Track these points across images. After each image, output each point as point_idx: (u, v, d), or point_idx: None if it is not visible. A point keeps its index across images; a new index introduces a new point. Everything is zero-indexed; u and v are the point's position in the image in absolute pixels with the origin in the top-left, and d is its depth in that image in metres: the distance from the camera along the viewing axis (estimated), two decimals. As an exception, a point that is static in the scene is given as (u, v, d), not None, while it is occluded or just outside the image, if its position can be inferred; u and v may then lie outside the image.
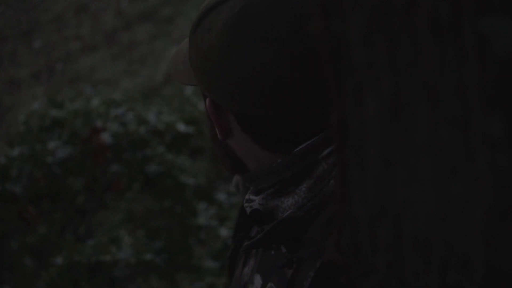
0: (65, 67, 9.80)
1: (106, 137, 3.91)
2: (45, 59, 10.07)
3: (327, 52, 0.56)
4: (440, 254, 0.51)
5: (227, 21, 1.05)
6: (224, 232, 4.04)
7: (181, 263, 3.95)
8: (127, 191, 4.09)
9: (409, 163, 0.52)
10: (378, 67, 0.52)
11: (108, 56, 9.70)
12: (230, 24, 1.05)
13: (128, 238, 3.80)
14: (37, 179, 3.85)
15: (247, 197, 1.11)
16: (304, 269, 1.05)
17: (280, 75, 1.02)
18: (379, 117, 0.53)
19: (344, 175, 0.56)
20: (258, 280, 1.13)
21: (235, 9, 1.05)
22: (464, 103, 0.49)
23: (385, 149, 0.53)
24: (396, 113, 0.52)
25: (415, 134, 0.51)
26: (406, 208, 0.53)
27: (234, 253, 1.26)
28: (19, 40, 10.60)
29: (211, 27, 1.07)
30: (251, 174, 1.10)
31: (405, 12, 0.51)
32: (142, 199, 4.19)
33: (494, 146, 0.48)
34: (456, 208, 0.50)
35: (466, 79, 0.49)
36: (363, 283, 0.56)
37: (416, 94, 0.51)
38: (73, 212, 4.08)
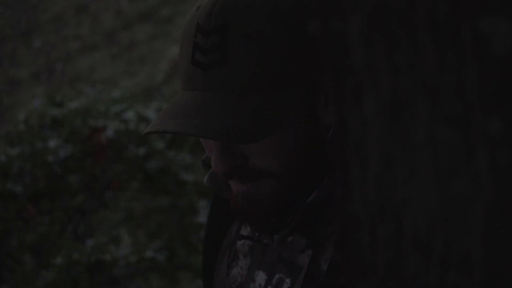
0: (65, 67, 9.80)
1: (108, 134, 3.91)
2: (44, 59, 10.07)
3: (326, 51, 0.56)
4: (440, 253, 0.52)
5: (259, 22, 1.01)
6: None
7: (181, 262, 3.95)
8: (127, 190, 4.09)
9: (409, 162, 0.52)
10: (377, 67, 0.53)
11: (107, 56, 9.70)
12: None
13: (128, 237, 3.80)
14: (37, 178, 3.86)
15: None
16: (323, 249, 1.06)
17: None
18: (379, 116, 0.53)
19: (344, 174, 0.56)
20: (261, 276, 1.13)
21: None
22: (464, 102, 0.49)
23: (386, 148, 0.53)
24: (396, 113, 0.52)
25: (415, 133, 0.51)
26: (406, 206, 0.53)
27: (213, 253, 1.25)
28: (19, 40, 10.60)
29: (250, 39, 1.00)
30: None
31: (404, 12, 0.51)
32: (142, 198, 4.19)
33: (494, 145, 0.49)
34: (457, 207, 0.50)
35: (465, 79, 0.49)
36: (362, 282, 0.57)
37: (416, 93, 0.51)
38: (73, 211, 4.08)
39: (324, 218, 1.07)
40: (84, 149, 3.94)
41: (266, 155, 1.03)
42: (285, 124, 1.02)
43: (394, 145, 0.53)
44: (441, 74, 0.50)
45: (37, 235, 3.96)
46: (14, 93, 9.51)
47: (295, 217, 1.06)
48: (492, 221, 0.49)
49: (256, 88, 1.00)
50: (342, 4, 0.54)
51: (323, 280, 1.04)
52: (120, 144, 3.99)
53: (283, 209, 1.07)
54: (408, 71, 0.51)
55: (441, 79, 0.50)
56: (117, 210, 4.30)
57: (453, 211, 0.51)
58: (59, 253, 3.71)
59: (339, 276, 1.02)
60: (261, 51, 1.00)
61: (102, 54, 9.73)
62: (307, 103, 1.03)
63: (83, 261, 3.58)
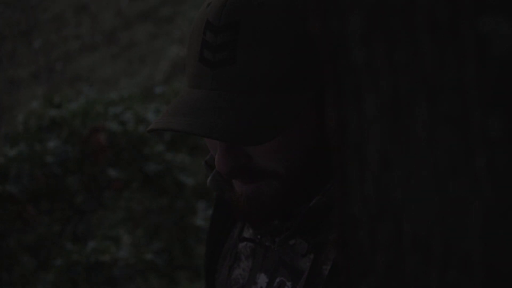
0: (65, 66, 9.80)
1: (107, 135, 3.92)
2: (44, 59, 10.07)
3: (326, 52, 0.56)
4: (439, 254, 0.52)
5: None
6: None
7: (180, 263, 3.95)
8: (126, 190, 4.09)
9: (408, 163, 0.52)
10: (377, 66, 0.52)
11: (107, 55, 9.70)
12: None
13: (127, 238, 3.80)
14: (36, 179, 3.86)
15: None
16: (325, 254, 1.05)
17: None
18: (378, 116, 0.53)
19: (343, 174, 0.56)
20: (262, 279, 1.12)
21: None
22: (463, 102, 0.49)
23: (385, 148, 0.53)
24: (395, 113, 0.52)
25: (414, 133, 0.51)
26: (405, 207, 0.53)
27: (214, 255, 1.24)
28: (19, 40, 10.61)
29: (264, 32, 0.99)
30: None
31: (403, 11, 0.51)
32: (141, 198, 4.19)
33: (493, 146, 0.49)
34: (456, 208, 0.50)
35: (465, 79, 0.49)
36: (362, 282, 0.56)
37: (415, 93, 0.51)
38: (72, 211, 4.08)
39: (326, 224, 1.06)
40: (83, 149, 3.94)
41: (271, 156, 1.02)
42: (292, 126, 1.01)
43: (393, 146, 0.52)
44: (440, 73, 0.50)
45: (37, 236, 3.96)
46: (13, 93, 9.51)
47: (297, 220, 1.06)
48: (491, 222, 0.49)
49: (264, 89, 0.99)
50: (342, 4, 0.54)
51: (325, 285, 1.04)
52: (119, 146, 3.99)
53: (284, 211, 1.06)
54: (407, 71, 0.51)
55: (441, 78, 0.50)
56: (116, 211, 4.30)
57: (452, 212, 0.51)
58: (59, 253, 3.71)
59: (340, 281, 1.02)
60: (271, 51, 0.99)
61: (102, 54, 9.73)
62: (316, 105, 1.02)
63: (82, 262, 3.58)
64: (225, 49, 1.00)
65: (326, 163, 1.05)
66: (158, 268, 3.74)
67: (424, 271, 0.52)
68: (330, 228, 1.05)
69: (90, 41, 10.09)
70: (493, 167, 0.49)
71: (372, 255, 0.55)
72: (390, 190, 0.53)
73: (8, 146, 4.01)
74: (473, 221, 0.50)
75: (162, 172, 3.99)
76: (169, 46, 9.05)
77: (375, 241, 0.55)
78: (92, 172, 3.97)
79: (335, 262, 1.03)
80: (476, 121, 0.49)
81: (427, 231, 0.52)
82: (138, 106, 4.28)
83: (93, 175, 3.99)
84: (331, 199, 1.05)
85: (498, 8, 0.48)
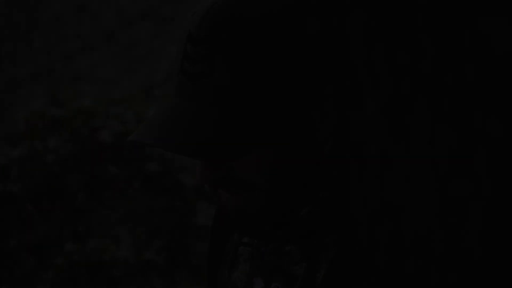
0: (65, 66, 9.80)
1: (108, 134, 3.92)
2: (44, 58, 10.07)
3: (326, 52, 0.56)
4: (440, 253, 0.52)
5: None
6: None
7: (180, 262, 3.95)
8: (126, 190, 4.09)
9: (408, 163, 0.52)
10: (377, 66, 0.52)
11: (108, 55, 9.70)
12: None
13: (128, 237, 3.80)
14: (37, 178, 3.86)
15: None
16: (318, 262, 1.05)
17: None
18: (378, 116, 0.53)
19: (343, 174, 0.56)
20: (259, 283, 1.12)
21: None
22: (463, 102, 0.49)
23: (385, 148, 0.53)
24: (396, 113, 0.52)
25: (414, 133, 0.51)
26: (405, 207, 0.53)
27: (216, 254, 1.24)
28: (19, 39, 10.61)
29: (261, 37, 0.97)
30: None
31: (403, 11, 0.51)
32: (142, 198, 4.19)
33: (493, 146, 0.49)
34: (455, 207, 0.50)
35: (465, 79, 0.49)
36: (362, 282, 0.57)
37: (415, 93, 0.51)
38: (72, 210, 4.08)
39: (320, 232, 1.05)
40: (84, 149, 3.94)
41: (251, 169, 1.02)
42: (271, 140, 1.00)
43: (393, 145, 0.52)
44: (440, 73, 0.50)
45: (37, 235, 3.96)
46: (13, 92, 9.52)
47: (287, 229, 1.06)
48: (491, 221, 0.49)
49: (241, 103, 0.99)
50: (342, 4, 0.54)
51: None
52: (119, 145, 3.99)
53: (272, 221, 1.07)
54: (407, 70, 0.51)
55: (441, 78, 0.50)
56: (117, 210, 4.30)
57: (452, 212, 0.51)
58: (59, 253, 3.71)
59: (338, 283, 1.02)
60: (249, 65, 0.98)
61: (102, 53, 9.73)
62: (300, 118, 1.01)
63: (83, 261, 3.58)
64: (203, 62, 1.00)
65: (316, 173, 1.04)
66: (158, 268, 3.74)
67: (424, 271, 0.52)
68: (323, 237, 1.05)
69: (90, 40, 10.09)
70: (493, 167, 0.49)
71: (372, 254, 0.55)
72: (390, 190, 0.53)
73: (9, 146, 4.01)
74: (473, 220, 0.50)
75: (162, 172, 3.99)
76: (170, 45, 9.05)
77: (375, 241, 0.55)
78: (93, 171, 3.98)
79: (328, 270, 1.03)
80: (476, 120, 0.49)
81: (427, 230, 0.52)
82: (139, 105, 4.28)
83: (94, 174, 3.99)
84: (323, 208, 1.05)
85: (498, 8, 0.48)
